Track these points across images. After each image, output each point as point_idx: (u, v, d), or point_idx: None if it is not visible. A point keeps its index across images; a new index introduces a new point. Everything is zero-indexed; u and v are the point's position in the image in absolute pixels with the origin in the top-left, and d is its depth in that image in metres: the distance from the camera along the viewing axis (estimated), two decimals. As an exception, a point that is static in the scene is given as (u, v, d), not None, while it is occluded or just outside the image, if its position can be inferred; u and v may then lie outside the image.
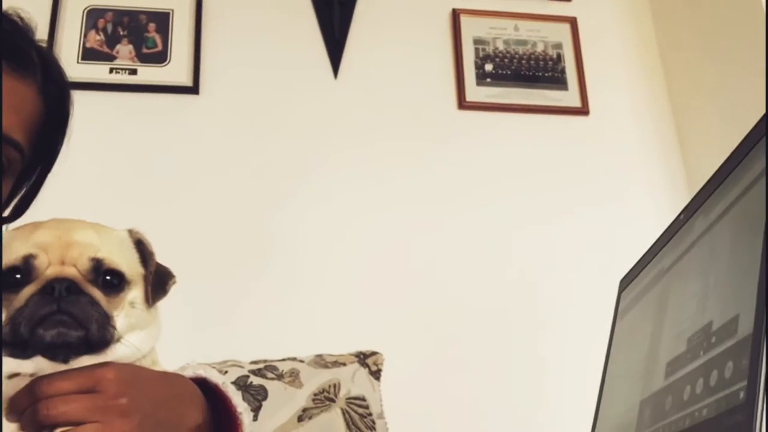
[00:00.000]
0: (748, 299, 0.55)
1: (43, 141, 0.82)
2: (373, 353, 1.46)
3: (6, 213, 0.83)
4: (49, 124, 0.82)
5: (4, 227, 0.81)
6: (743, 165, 0.63)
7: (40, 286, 0.63)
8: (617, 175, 2.09)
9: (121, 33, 2.02)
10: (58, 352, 0.63)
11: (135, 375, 0.65)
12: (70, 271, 0.65)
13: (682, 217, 0.76)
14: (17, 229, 0.68)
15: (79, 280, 0.64)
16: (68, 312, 0.62)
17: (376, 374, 1.42)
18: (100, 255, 0.67)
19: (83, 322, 0.62)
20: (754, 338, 0.52)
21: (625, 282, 0.92)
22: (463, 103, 2.10)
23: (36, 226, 0.68)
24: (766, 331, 0.51)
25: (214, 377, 0.75)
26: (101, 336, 0.64)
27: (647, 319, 0.80)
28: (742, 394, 0.51)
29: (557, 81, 2.19)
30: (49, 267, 0.64)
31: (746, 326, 0.54)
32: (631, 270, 0.90)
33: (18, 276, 0.63)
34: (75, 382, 0.61)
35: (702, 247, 0.70)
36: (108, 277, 0.67)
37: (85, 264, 0.66)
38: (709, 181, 0.70)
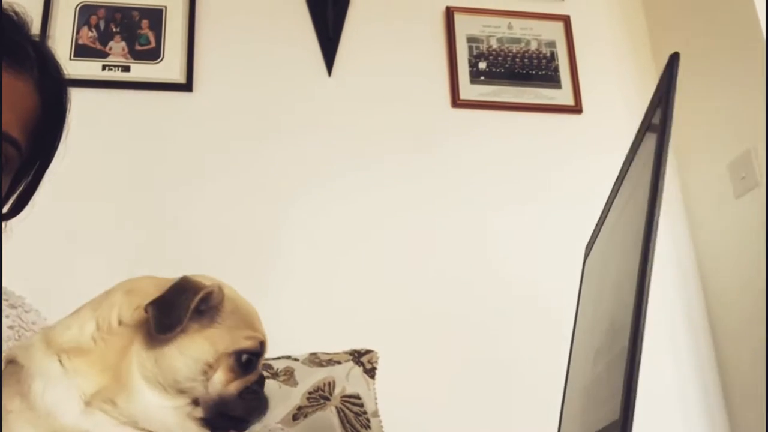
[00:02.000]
0: (629, 306, 0.50)
1: (41, 137, 0.81)
2: (368, 351, 1.46)
3: (5, 210, 0.82)
4: (46, 120, 0.81)
5: (4, 224, 0.81)
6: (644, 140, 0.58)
7: (257, 377, 0.68)
8: (610, 174, 2.09)
9: (114, 30, 2.01)
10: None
11: None
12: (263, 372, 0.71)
13: (615, 186, 0.73)
14: (237, 297, 0.70)
15: None
16: (268, 406, 0.69)
17: (371, 372, 1.42)
18: None
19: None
20: (629, 352, 0.48)
21: (587, 249, 0.90)
22: (456, 101, 2.10)
23: (251, 307, 0.71)
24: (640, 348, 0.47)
25: None
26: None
27: (592, 295, 0.78)
28: (618, 410, 0.48)
29: (550, 79, 2.19)
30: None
31: (626, 335, 0.50)
32: (591, 236, 0.88)
33: (246, 357, 0.66)
34: None
35: (619, 225, 0.65)
36: None
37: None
38: (628, 152, 0.66)
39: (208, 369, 0.63)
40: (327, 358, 1.41)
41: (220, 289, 0.67)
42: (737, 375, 1.90)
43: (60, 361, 0.61)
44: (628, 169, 0.65)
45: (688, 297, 2.04)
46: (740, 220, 1.90)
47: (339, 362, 1.40)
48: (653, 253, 0.49)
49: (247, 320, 0.68)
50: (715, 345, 1.99)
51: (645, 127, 0.60)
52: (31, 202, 0.84)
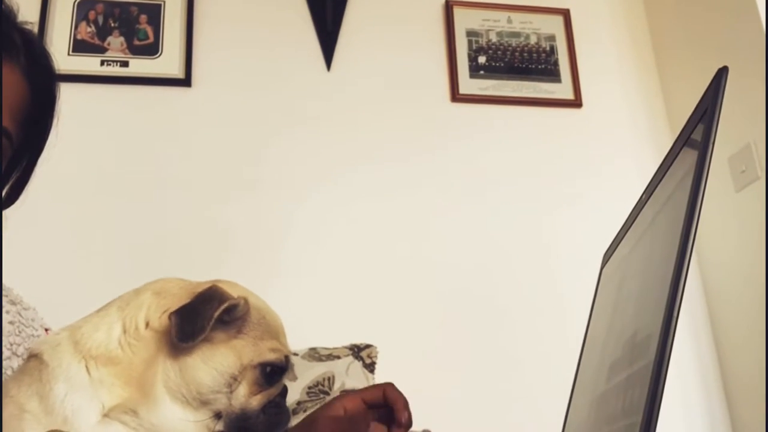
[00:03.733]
0: (658, 318, 0.49)
1: (32, 125, 0.80)
2: (368, 346, 1.46)
3: None
4: (36, 108, 0.80)
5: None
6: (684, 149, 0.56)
7: (279, 390, 0.67)
8: (610, 167, 2.09)
9: (112, 25, 2.01)
10: None
11: None
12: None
13: (644, 197, 0.70)
14: (264, 307, 0.69)
15: None
16: (289, 421, 0.68)
17: (371, 367, 1.42)
18: None
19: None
20: (654, 368, 0.46)
21: (606, 257, 0.89)
22: (456, 96, 2.10)
23: (278, 319, 0.70)
24: (669, 358, 0.45)
25: None
26: None
27: (608, 306, 0.77)
28: (636, 430, 0.46)
29: (550, 73, 2.19)
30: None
31: (653, 349, 0.48)
32: (611, 245, 0.86)
33: (270, 369, 0.65)
34: None
35: (646, 238, 0.63)
36: None
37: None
38: (663, 162, 0.63)
39: (233, 381, 0.62)
40: (326, 352, 1.41)
41: (246, 300, 0.65)
42: (738, 369, 1.90)
43: (87, 368, 0.60)
44: (660, 181, 0.62)
45: (688, 291, 2.03)
46: (740, 213, 1.89)
47: (338, 357, 1.40)
48: (687, 269, 0.48)
49: (273, 332, 0.67)
50: (714, 338, 1.99)
51: (684, 141, 0.57)
52: (25, 192, 0.84)
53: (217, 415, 0.62)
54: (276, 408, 0.65)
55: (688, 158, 0.54)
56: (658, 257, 0.55)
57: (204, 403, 0.61)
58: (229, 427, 0.62)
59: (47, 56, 0.81)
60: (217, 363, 0.62)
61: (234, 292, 0.66)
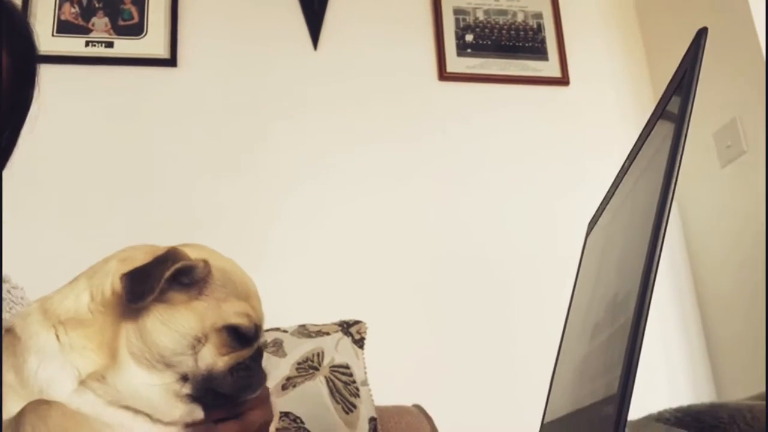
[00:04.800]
0: (637, 275, 0.49)
1: (12, 96, 0.80)
2: (357, 322, 1.47)
3: None
4: (16, 79, 0.79)
5: None
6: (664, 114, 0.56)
7: (252, 353, 0.65)
8: (597, 144, 2.10)
9: (97, 5, 1.99)
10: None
11: None
12: (263, 344, 0.68)
13: (626, 163, 0.70)
14: (231, 269, 0.67)
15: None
16: (261, 384, 0.66)
17: (360, 343, 1.43)
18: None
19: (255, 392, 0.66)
20: (633, 321, 0.46)
21: (590, 226, 0.90)
22: (443, 74, 2.09)
23: (242, 273, 0.68)
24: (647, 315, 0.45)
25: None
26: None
27: (592, 272, 0.77)
28: (616, 384, 0.46)
29: (537, 51, 2.19)
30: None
31: (632, 305, 0.48)
32: (594, 213, 0.87)
33: (240, 332, 0.64)
34: None
35: (627, 204, 0.64)
36: None
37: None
38: (645, 127, 0.63)
39: (196, 343, 0.61)
40: (316, 329, 1.42)
41: (207, 262, 0.64)
42: (725, 344, 1.93)
43: (57, 335, 0.60)
44: (644, 143, 0.62)
45: (675, 266, 2.05)
46: (726, 189, 1.91)
47: (328, 333, 1.41)
48: (666, 223, 0.48)
49: (240, 294, 0.65)
50: (702, 314, 2.01)
51: (659, 113, 0.57)
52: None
53: (184, 378, 0.61)
54: (245, 371, 0.63)
55: (663, 129, 0.54)
56: (638, 218, 0.56)
57: (169, 365, 0.60)
58: (196, 389, 0.61)
59: (26, 26, 0.81)
60: (177, 325, 0.61)
61: (199, 255, 0.64)
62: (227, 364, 0.62)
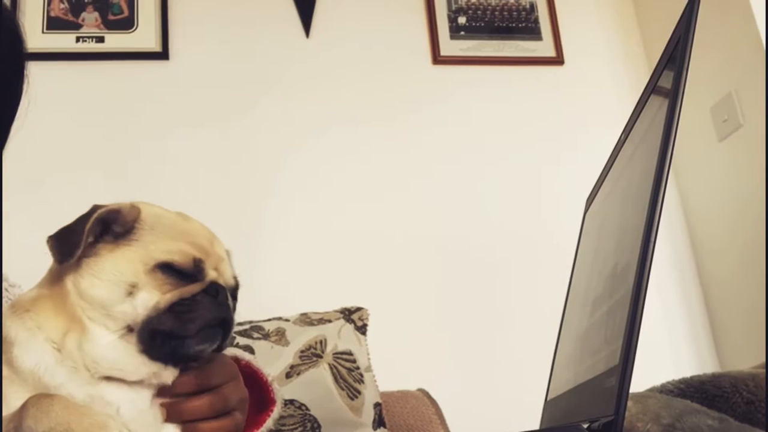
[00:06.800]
0: (636, 245, 0.48)
1: (1, 89, 0.79)
2: (358, 309, 1.47)
3: None
4: (5, 72, 0.79)
5: None
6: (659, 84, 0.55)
7: (205, 287, 0.62)
8: (593, 123, 2.09)
9: (86, 0, 1.97)
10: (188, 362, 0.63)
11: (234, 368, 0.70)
12: (229, 282, 0.66)
13: (622, 137, 0.70)
14: (165, 213, 0.66)
15: (230, 292, 0.65)
16: (227, 323, 0.63)
17: (362, 329, 1.43)
18: (236, 276, 0.68)
19: (226, 334, 0.63)
20: (633, 291, 0.46)
21: (588, 202, 0.90)
22: (437, 58, 2.08)
23: (185, 219, 0.67)
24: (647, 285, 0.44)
25: (245, 355, 0.78)
26: (226, 347, 0.66)
27: (590, 247, 0.77)
28: (618, 355, 0.46)
29: (531, 31, 2.17)
30: (209, 271, 0.64)
31: (632, 276, 0.47)
32: (592, 190, 0.87)
33: (180, 270, 0.62)
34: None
35: (623, 178, 0.63)
36: (235, 297, 0.68)
37: (230, 281, 0.66)
38: (641, 96, 0.62)
39: (132, 289, 0.60)
40: (318, 317, 1.42)
41: (133, 205, 0.63)
42: (725, 319, 1.93)
43: (25, 322, 0.61)
44: (632, 128, 0.62)
45: (674, 240, 2.05)
46: (724, 163, 1.90)
47: (330, 321, 1.41)
48: (664, 192, 0.47)
49: (176, 234, 0.64)
50: (702, 286, 2.01)
51: (651, 88, 0.57)
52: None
53: (129, 329, 0.60)
54: (187, 305, 0.60)
55: (656, 103, 0.54)
56: (635, 192, 0.55)
57: (114, 319, 0.60)
58: (141, 335, 0.60)
59: (12, 18, 0.80)
60: (108, 274, 0.60)
61: (142, 208, 0.64)
62: (169, 301, 0.60)
